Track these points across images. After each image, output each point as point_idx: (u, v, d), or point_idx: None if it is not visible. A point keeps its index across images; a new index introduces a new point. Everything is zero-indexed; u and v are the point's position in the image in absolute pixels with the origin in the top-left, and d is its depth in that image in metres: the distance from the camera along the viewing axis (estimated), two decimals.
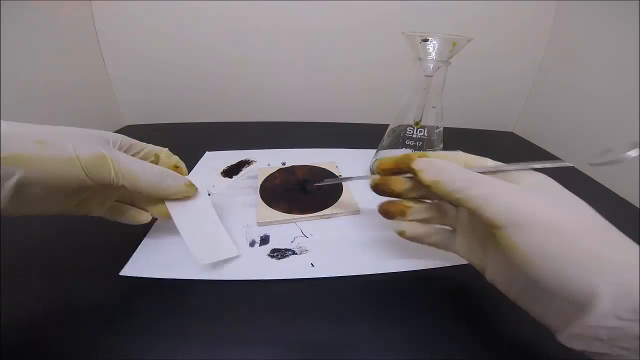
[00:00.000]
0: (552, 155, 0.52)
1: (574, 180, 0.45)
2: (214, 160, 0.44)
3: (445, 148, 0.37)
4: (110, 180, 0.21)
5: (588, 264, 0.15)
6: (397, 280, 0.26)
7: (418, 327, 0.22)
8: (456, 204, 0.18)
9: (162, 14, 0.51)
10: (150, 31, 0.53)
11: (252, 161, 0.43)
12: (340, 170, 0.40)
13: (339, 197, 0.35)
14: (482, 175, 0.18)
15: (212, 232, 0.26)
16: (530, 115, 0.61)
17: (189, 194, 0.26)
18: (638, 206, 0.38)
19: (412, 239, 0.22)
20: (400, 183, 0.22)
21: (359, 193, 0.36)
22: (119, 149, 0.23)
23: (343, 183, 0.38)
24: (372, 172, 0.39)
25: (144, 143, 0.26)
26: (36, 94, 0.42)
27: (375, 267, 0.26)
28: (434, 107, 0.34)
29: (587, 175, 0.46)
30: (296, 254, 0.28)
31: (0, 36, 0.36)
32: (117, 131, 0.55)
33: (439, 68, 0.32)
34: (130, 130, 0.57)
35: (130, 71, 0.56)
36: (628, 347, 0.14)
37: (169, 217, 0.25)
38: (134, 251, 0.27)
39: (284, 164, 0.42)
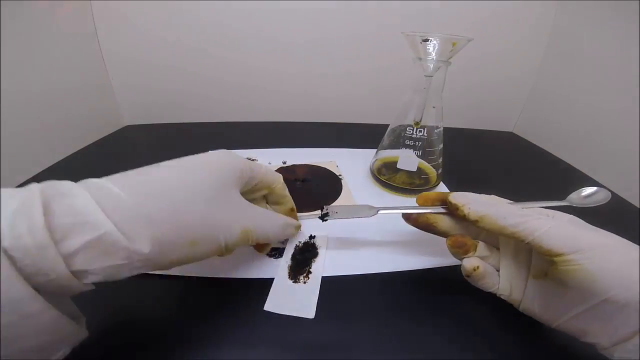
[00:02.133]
0: (552, 155, 0.52)
1: (575, 181, 0.45)
2: None
3: (445, 148, 0.37)
4: (247, 245, 0.21)
5: None
6: (396, 279, 0.26)
7: (418, 327, 0.22)
8: (505, 236, 0.19)
9: (162, 14, 0.51)
10: (151, 31, 0.52)
11: (253, 160, 0.44)
12: (340, 170, 0.40)
13: (338, 196, 0.35)
14: (527, 210, 0.20)
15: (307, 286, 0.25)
16: (530, 115, 0.61)
17: (295, 234, 0.28)
18: (638, 206, 0.38)
19: (479, 276, 0.21)
20: (444, 221, 0.23)
21: (358, 192, 0.36)
22: (246, 182, 0.23)
23: (343, 182, 0.38)
24: (372, 172, 0.39)
25: (260, 165, 0.25)
26: (36, 94, 0.42)
27: (375, 266, 0.26)
28: (434, 107, 0.34)
29: (587, 175, 0.46)
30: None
31: (0, 36, 0.36)
32: (117, 131, 0.56)
33: (439, 68, 0.32)
34: (130, 131, 0.58)
35: (130, 70, 0.56)
36: None
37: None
38: None
39: (284, 163, 0.42)
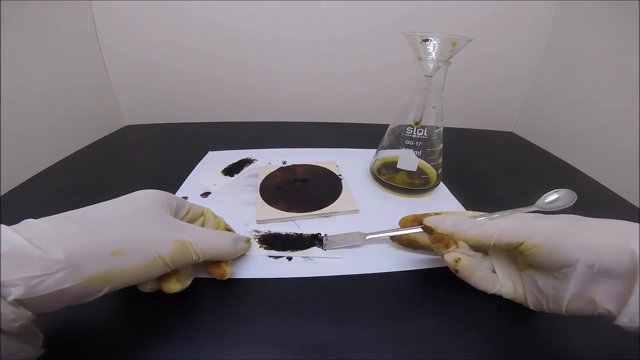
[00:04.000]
0: (552, 155, 0.52)
1: (575, 181, 0.45)
2: (217, 159, 0.44)
3: (445, 148, 0.37)
4: (191, 261, 0.21)
5: (607, 232, 0.18)
6: (396, 280, 0.26)
7: (418, 327, 0.22)
8: (473, 244, 0.23)
9: (162, 14, 0.51)
10: (151, 31, 0.53)
11: (253, 160, 0.44)
12: (340, 170, 0.40)
13: (338, 196, 0.35)
14: (484, 219, 0.24)
15: None
16: (530, 115, 0.61)
17: (248, 249, 0.27)
18: (638, 206, 0.38)
19: (464, 269, 0.23)
20: (423, 236, 0.26)
21: (358, 193, 0.36)
22: (172, 212, 0.23)
23: (342, 182, 0.38)
24: (372, 172, 0.39)
25: (184, 200, 0.26)
26: (36, 94, 0.42)
27: (375, 266, 0.26)
28: (434, 107, 0.34)
29: (587, 176, 0.46)
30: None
31: (0, 36, 0.36)
32: (117, 131, 0.56)
33: (439, 68, 0.32)
34: (130, 131, 0.58)
35: (130, 71, 0.56)
36: None
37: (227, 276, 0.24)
38: None
39: (284, 162, 0.43)
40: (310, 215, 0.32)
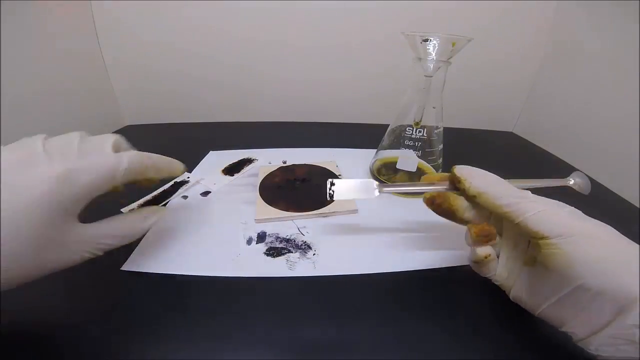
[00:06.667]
0: (552, 155, 0.52)
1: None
2: (217, 159, 0.44)
3: (445, 148, 0.37)
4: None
5: (627, 265, 0.16)
6: (395, 280, 0.26)
7: (417, 327, 0.22)
8: (497, 215, 0.20)
9: (162, 14, 0.51)
10: (151, 31, 0.53)
11: (253, 159, 0.44)
12: (340, 170, 0.40)
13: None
14: (525, 191, 0.20)
15: None
16: (530, 115, 0.61)
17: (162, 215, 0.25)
18: (638, 206, 0.38)
19: (487, 264, 0.21)
20: (458, 199, 0.22)
21: None
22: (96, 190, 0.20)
23: None
24: (372, 173, 0.39)
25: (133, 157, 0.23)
26: (36, 94, 0.42)
27: (373, 266, 0.26)
28: (434, 108, 0.34)
29: (587, 176, 0.46)
30: (291, 252, 0.28)
31: (1, 36, 0.36)
32: (117, 131, 0.56)
33: (439, 68, 0.32)
34: (130, 131, 0.58)
35: (131, 71, 0.56)
36: None
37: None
38: (136, 247, 0.27)
39: (284, 162, 0.43)
40: (309, 215, 0.32)
